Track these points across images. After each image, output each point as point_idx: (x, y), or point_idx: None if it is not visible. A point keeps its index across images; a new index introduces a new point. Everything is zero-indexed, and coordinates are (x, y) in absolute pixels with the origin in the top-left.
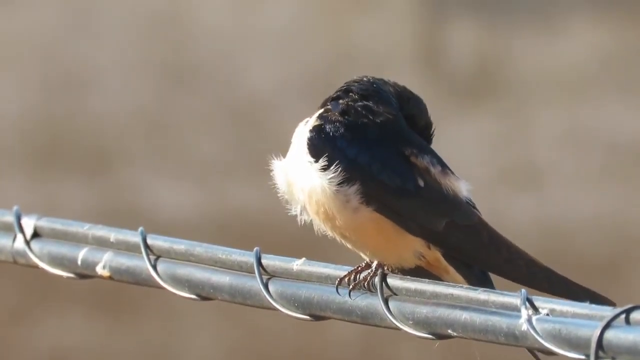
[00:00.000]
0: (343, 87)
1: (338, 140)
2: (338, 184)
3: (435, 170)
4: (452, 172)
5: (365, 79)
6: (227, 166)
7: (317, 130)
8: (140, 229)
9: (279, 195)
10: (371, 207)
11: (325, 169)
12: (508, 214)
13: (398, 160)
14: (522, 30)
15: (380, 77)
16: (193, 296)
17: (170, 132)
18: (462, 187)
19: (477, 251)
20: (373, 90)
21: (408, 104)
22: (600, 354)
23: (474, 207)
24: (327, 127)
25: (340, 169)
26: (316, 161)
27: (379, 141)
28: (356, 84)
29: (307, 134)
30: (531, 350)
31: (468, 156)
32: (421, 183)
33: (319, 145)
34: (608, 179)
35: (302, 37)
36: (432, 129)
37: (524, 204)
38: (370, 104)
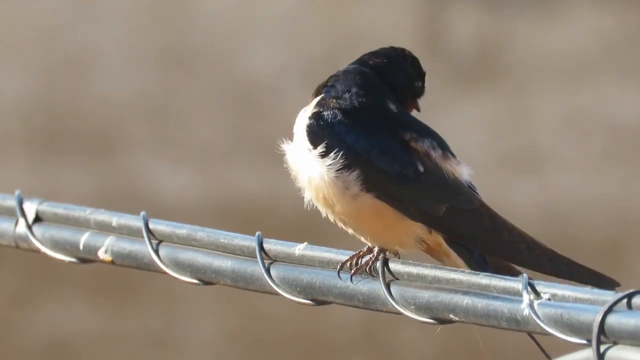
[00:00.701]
0: (335, 75)
1: (337, 126)
2: (337, 171)
3: (435, 155)
4: (453, 156)
5: (354, 67)
6: (228, 150)
7: (315, 117)
8: (143, 213)
9: (279, 180)
10: (371, 194)
11: (323, 155)
12: (509, 197)
13: (397, 146)
14: (523, 13)
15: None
16: (195, 281)
17: (171, 117)
18: (463, 171)
19: (478, 235)
20: (363, 79)
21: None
22: (602, 338)
23: (475, 191)
24: (326, 113)
25: (339, 155)
26: (314, 148)
27: (377, 127)
28: (347, 73)
29: (306, 121)
30: (533, 338)
31: (469, 140)
32: (421, 168)
33: (317, 132)
34: (609, 162)
35: (303, 21)
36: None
37: (525, 188)
38: (364, 91)
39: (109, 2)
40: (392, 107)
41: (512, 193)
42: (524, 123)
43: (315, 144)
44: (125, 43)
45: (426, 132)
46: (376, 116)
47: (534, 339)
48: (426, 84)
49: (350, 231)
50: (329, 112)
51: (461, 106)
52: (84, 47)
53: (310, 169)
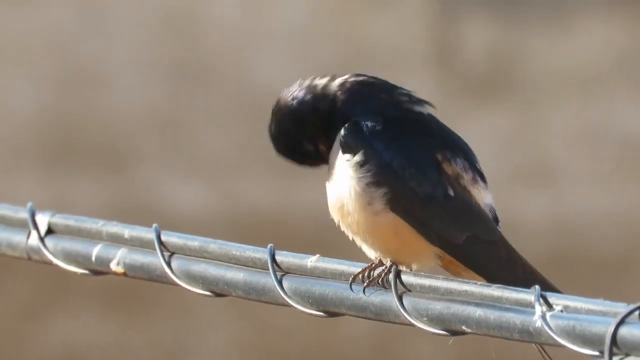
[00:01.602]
0: (364, 87)
1: (374, 140)
2: (366, 185)
3: (467, 178)
4: (481, 178)
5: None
6: (240, 163)
7: (351, 129)
8: (155, 225)
9: (291, 192)
10: (393, 212)
11: (355, 166)
12: (521, 211)
13: (432, 166)
14: (535, 27)
15: (385, 76)
16: (207, 293)
17: (183, 130)
18: (487, 197)
19: (493, 268)
20: (390, 87)
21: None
22: (615, 350)
23: (496, 217)
24: (363, 125)
25: (372, 170)
26: (348, 159)
27: (414, 141)
28: (379, 83)
29: (342, 132)
30: (541, 350)
31: (481, 154)
32: (451, 192)
33: (351, 143)
34: (621, 176)
35: (315, 34)
36: None
37: (537, 202)
38: (402, 99)
39: (120, 15)
40: (426, 113)
41: (523, 207)
42: (536, 137)
43: (352, 154)
44: (136, 56)
45: (459, 149)
46: (413, 128)
47: (542, 351)
48: (438, 96)
49: (358, 243)
50: (366, 123)
51: (473, 119)
52: (95, 60)
53: (338, 178)
